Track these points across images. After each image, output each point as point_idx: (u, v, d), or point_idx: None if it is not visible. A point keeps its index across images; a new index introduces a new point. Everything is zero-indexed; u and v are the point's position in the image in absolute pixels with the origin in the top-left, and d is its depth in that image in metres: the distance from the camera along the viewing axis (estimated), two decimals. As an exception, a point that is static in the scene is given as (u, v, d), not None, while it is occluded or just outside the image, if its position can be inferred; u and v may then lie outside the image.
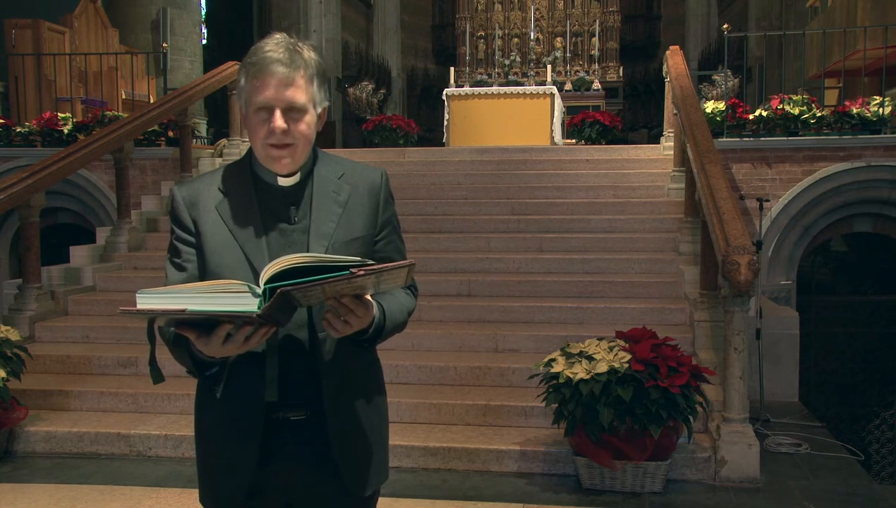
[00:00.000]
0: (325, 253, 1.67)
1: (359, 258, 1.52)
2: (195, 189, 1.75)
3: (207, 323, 1.49)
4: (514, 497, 3.94)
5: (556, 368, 3.99)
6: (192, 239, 1.73)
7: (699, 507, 3.87)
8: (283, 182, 1.73)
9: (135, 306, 1.45)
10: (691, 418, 3.92)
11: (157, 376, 1.62)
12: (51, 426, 4.64)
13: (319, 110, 1.72)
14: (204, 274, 1.70)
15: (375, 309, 1.65)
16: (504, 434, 4.43)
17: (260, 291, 1.47)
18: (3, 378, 4.36)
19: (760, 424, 5.00)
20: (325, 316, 1.58)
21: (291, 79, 1.63)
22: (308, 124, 1.68)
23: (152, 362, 1.61)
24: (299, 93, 1.64)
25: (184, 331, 1.52)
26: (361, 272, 1.44)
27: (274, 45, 1.65)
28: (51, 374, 5.25)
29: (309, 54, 1.68)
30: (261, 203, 1.72)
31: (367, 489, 1.80)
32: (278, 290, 1.42)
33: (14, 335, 4.65)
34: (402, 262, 1.49)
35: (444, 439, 4.36)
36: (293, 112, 1.65)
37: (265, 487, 1.76)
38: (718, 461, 4.11)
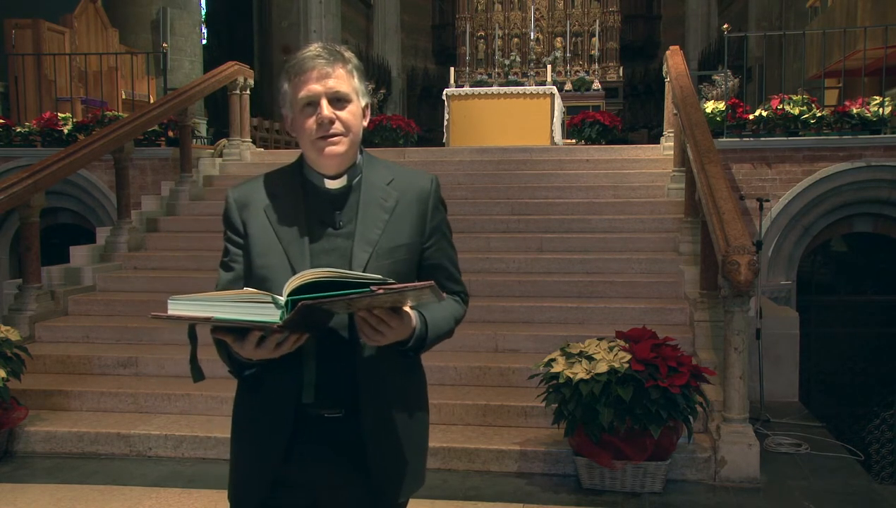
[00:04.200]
0: (369, 259, 1.69)
1: (380, 276, 1.53)
2: (246, 191, 1.78)
3: (240, 328, 1.54)
4: (514, 497, 3.93)
5: (556, 368, 3.99)
6: (240, 240, 1.75)
7: (699, 507, 3.87)
8: (331, 184, 1.73)
9: (159, 310, 1.50)
10: (691, 418, 3.92)
11: (198, 374, 1.63)
12: (51, 426, 4.65)
13: (363, 103, 1.74)
14: (249, 274, 1.73)
15: (416, 320, 1.65)
16: (504, 434, 4.43)
17: (283, 302, 1.50)
18: (3, 378, 4.36)
19: (760, 424, 5.00)
20: (358, 326, 1.59)
21: (332, 69, 1.68)
22: (353, 113, 1.71)
23: (193, 360, 1.63)
24: (341, 83, 1.69)
25: (220, 336, 1.56)
26: (381, 291, 1.47)
27: (313, 48, 1.71)
28: (51, 374, 5.25)
29: (349, 53, 1.73)
30: (308, 206, 1.72)
31: (399, 495, 1.79)
32: (299, 304, 1.45)
33: (14, 335, 4.65)
34: (421, 283, 1.50)
35: (444, 439, 4.36)
36: (338, 101, 1.68)
37: (291, 481, 1.74)
38: (718, 461, 4.11)
